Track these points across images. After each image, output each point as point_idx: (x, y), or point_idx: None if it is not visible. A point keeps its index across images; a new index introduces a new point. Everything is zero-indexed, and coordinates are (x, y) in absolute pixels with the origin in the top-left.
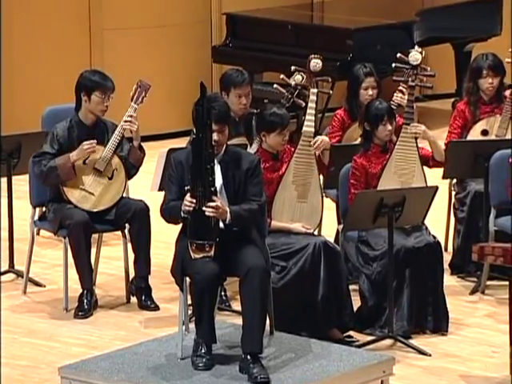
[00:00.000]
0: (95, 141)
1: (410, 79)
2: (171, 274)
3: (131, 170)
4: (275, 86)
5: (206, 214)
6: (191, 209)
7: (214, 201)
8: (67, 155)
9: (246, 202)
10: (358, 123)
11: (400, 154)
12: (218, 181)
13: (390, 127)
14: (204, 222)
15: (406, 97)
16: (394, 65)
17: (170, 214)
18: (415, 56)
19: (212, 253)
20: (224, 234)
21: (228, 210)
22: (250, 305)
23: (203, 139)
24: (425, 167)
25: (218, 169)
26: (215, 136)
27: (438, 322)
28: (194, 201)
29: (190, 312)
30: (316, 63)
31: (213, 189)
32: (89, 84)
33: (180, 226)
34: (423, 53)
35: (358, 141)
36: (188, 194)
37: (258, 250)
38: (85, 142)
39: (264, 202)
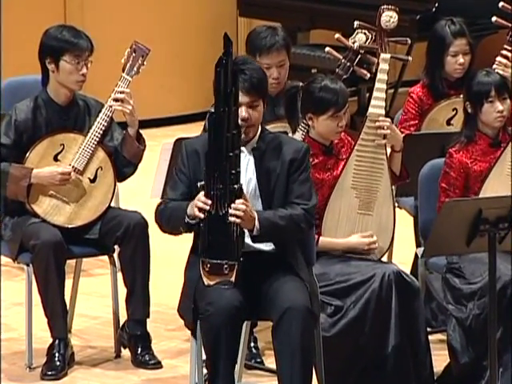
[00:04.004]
0: (73, 175)
1: None
2: (178, 313)
3: (126, 168)
4: (328, 49)
5: (228, 220)
6: (202, 215)
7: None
8: (29, 169)
9: (289, 205)
10: (464, 102)
11: None
12: (251, 178)
13: (500, 107)
14: (223, 233)
15: None
16: (494, 19)
17: (169, 217)
18: None
19: (233, 277)
20: (250, 254)
21: (256, 215)
22: (287, 360)
23: (225, 115)
24: None
25: (250, 161)
26: (243, 112)
27: None
28: (210, 202)
29: (205, 371)
30: (389, 17)
31: (236, 186)
32: (55, 45)
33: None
34: None
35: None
36: (201, 193)
37: (299, 283)
38: (60, 169)
39: (313, 206)
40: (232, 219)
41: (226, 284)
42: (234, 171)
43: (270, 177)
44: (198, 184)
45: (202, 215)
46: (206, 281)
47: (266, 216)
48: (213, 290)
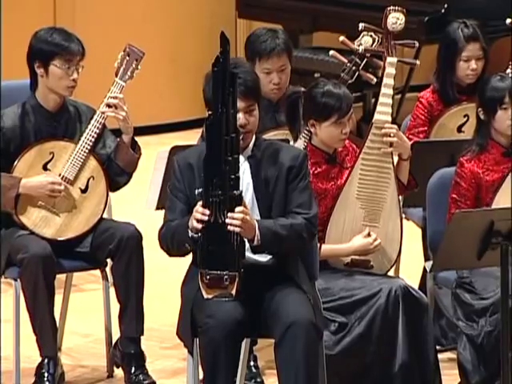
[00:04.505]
0: (63, 187)
1: None
2: (178, 336)
3: (119, 177)
4: (332, 52)
5: (228, 228)
6: (200, 226)
7: (237, 212)
8: (18, 179)
9: (289, 215)
10: (476, 109)
11: None
12: (247, 187)
13: None
14: (222, 242)
15: None
16: (508, 20)
17: (172, 237)
18: None
19: (234, 290)
20: (249, 267)
21: (256, 224)
22: (292, 378)
23: (222, 117)
24: None
25: (245, 170)
26: (241, 117)
27: None
28: (208, 212)
29: None
30: (396, 19)
31: (236, 192)
32: (44, 48)
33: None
34: None
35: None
36: (199, 203)
37: (302, 295)
38: (50, 179)
39: (314, 215)
40: (231, 228)
41: (227, 297)
42: (233, 176)
43: (267, 185)
44: (196, 191)
45: (199, 226)
46: (205, 294)
47: (266, 225)
48: (212, 302)
